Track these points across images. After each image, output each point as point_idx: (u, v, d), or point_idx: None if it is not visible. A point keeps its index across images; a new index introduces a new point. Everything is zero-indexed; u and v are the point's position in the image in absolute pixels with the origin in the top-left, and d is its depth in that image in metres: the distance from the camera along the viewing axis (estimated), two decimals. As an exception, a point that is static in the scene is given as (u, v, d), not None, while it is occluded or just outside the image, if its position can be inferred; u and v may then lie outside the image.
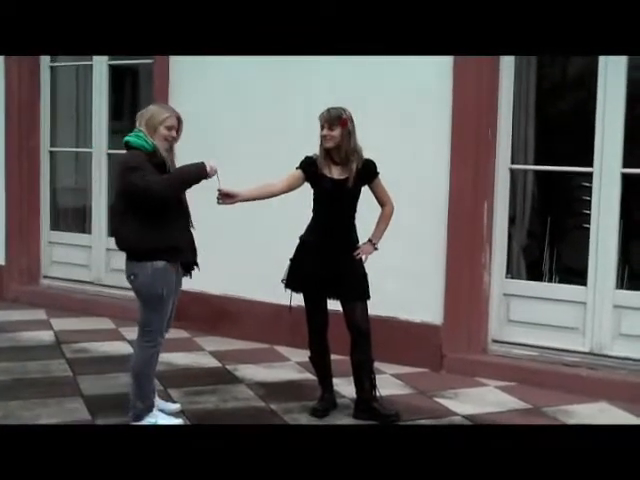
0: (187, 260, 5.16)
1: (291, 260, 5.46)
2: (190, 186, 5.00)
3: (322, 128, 5.32)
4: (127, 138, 5.05)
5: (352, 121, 5.33)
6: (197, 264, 5.26)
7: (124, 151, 5.07)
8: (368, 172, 5.38)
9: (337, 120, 5.27)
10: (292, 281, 5.46)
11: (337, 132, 5.28)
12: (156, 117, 5.01)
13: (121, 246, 5.09)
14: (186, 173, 4.97)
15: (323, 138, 5.32)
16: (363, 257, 5.38)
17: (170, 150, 5.09)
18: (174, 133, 5.05)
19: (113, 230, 5.23)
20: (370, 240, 5.43)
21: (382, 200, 5.49)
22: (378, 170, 5.43)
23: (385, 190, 5.47)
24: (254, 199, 5.33)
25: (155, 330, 5.09)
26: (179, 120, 5.09)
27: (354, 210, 5.41)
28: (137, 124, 5.05)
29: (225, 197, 5.09)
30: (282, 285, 5.47)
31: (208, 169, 4.92)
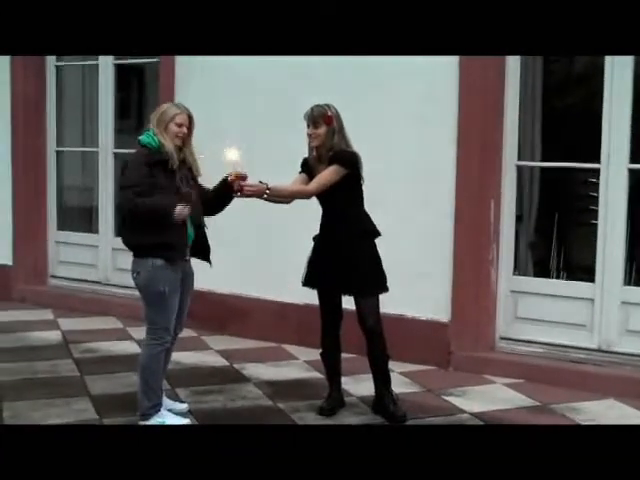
0: (183, 258, 5.15)
1: (308, 259, 5.48)
2: (155, 219, 4.94)
3: (307, 126, 5.30)
4: (140, 136, 5.15)
5: (339, 118, 5.29)
6: (209, 261, 5.28)
7: (132, 150, 5.15)
8: (330, 161, 5.25)
9: (321, 118, 5.24)
10: (307, 278, 5.47)
11: (322, 130, 5.25)
12: (166, 114, 5.09)
13: (124, 242, 5.19)
14: (157, 208, 4.94)
15: (309, 137, 5.32)
16: (246, 191, 5.07)
17: (185, 146, 5.13)
18: (184, 129, 5.09)
19: (118, 227, 5.28)
20: (267, 186, 5.11)
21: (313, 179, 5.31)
22: (344, 163, 5.22)
23: (322, 176, 5.22)
24: (281, 197, 5.29)
25: (161, 328, 5.10)
26: (190, 118, 5.14)
27: (348, 202, 5.31)
28: (150, 123, 5.13)
29: (244, 189, 5.04)
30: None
31: (178, 211, 4.88)
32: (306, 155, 5.46)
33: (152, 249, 4.99)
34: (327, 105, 5.29)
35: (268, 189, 5.09)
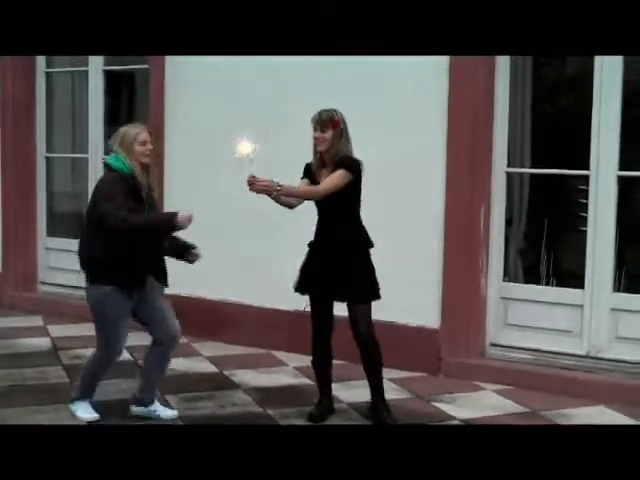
0: (140, 285, 5.11)
1: (301, 265, 5.46)
2: (157, 235, 4.98)
3: (314, 130, 5.29)
4: (106, 160, 5.13)
5: (344, 123, 5.30)
6: (164, 283, 5.26)
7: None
8: (336, 165, 5.25)
9: (329, 122, 5.24)
10: (299, 284, 5.45)
11: (329, 134, 5.25)
12: (128, 135, 5.06)
13: (80, 254, 5.17)
14: (157, 223, 4.96)
15: (316, 140, 5.30)
16: (257, 185, 5.02)
17: (149, 170, 5.11)
18: (150, 146, 5.07)
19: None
20: (279, 184, 5.09)
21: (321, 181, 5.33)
22: (351, 169, 5.23)
23: (331, 178, 5.21)
24: (292, 196, 5.27)
25: (110, 344, 5.20)
26: (150, 134, 5.13)
27: (347, 209, 5.33)
28: (113, 148, 5.10)
29: (256, 183, 5.00)
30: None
31: (179, 217, 4.84)
32: (302, 158, 5.44)
33: (104, 275, 5.01)
34: (334, 110, 5.29)
35: (279, 186, 5.07)
